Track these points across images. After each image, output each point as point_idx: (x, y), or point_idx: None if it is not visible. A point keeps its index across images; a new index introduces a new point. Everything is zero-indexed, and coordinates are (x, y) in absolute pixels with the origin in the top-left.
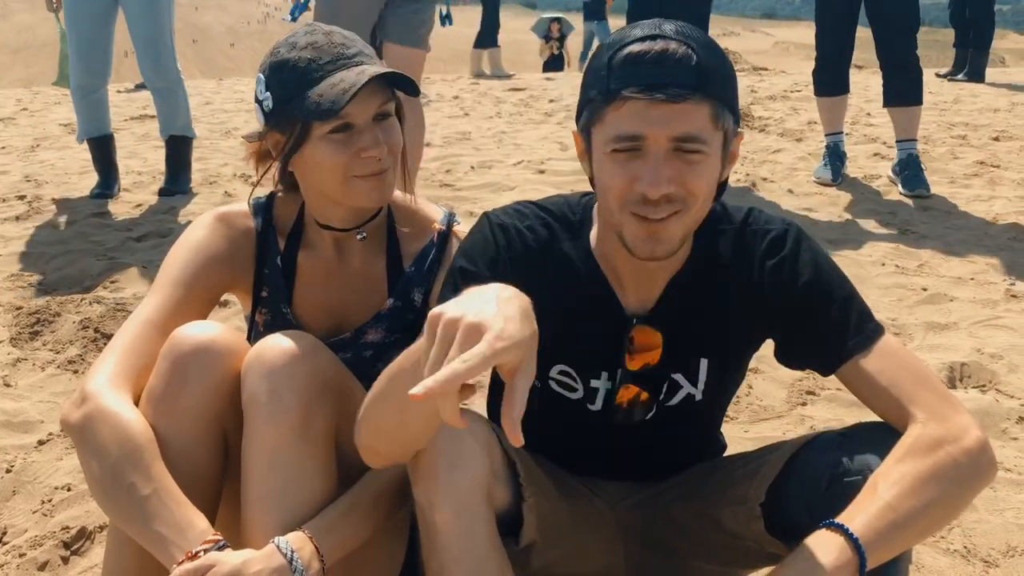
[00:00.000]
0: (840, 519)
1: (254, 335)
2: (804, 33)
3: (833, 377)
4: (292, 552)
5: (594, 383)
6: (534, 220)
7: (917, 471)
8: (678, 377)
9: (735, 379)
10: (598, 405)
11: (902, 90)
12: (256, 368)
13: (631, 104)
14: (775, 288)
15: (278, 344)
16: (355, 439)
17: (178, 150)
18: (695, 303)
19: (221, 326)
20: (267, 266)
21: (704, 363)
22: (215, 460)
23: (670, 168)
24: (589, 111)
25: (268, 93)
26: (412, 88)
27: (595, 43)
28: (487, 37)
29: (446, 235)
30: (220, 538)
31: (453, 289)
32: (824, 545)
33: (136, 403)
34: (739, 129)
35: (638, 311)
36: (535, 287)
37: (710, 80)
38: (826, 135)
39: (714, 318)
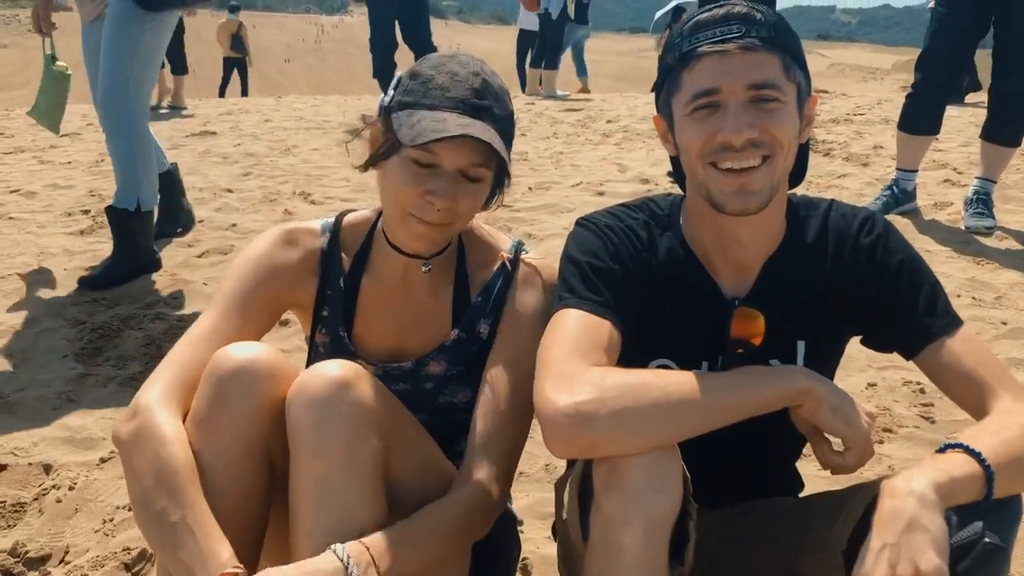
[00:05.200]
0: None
1: (314, 356)
2: (858, 55)
3: (911, 414)
4: (348, 557)
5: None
6: (631, 221)
7: (1022, 423)
8: (775, 363)
9: (826, 371)
10: None
11: (1003, 128)
12: (300, 399)
13: (705, 60)
14: (871, 264)
15: (322, 374)
16: (566, 426)
17: (113, 224)
18: (791, 283)
19: (265, 347)
20: (330, 287)
21: (801, 345)
22: (260, 483)
23: (749, 116)
24: (668, 84)
25: (393, 92)
26: (499, 162)
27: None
28: (546, 57)
29: (515, 264)
30: (240, 570)
31: (584, 281)
32: (951, 459)
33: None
34: (812, 93)
35: (736, 295)
36: (644, 282)
37: (778, 34)
38: (898, 168)
39: (809, 298)
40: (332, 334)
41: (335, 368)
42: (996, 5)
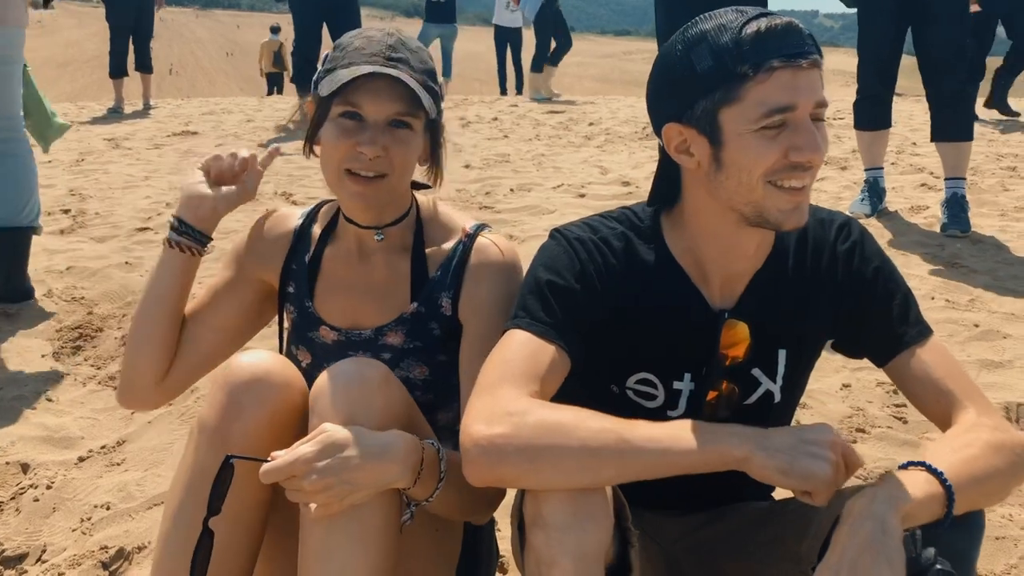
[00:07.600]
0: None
1: (283, 336)
2: (842, 60)
3: (884, 414)
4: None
5: (677, 385)
6: (607, 232)
7: (985, 440)
8: (757, 373)
9: (803, 378)
10: (680, 409)
11: (949, 125)
12: (329, 395)
13: (779, 74)
14: (847, 271)
15: (353, 372)
16: (486, 450)
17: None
18: (776, 293)
19: (277, 356)
20: (295, 262)
21: (782, 354)
22: (264, 494)
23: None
24: (717, 94)
25: (320, 67)
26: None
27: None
28: (541, 60)
29: (473, 239)
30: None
31: (539, 300)
32: (913, 478)
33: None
34: None
35: (724, 306)
36: (618, 297)
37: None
38: (865, 170)
39: (792, 306)
40: (298, 307)
41: (363, 366)
42: (910, 13)
